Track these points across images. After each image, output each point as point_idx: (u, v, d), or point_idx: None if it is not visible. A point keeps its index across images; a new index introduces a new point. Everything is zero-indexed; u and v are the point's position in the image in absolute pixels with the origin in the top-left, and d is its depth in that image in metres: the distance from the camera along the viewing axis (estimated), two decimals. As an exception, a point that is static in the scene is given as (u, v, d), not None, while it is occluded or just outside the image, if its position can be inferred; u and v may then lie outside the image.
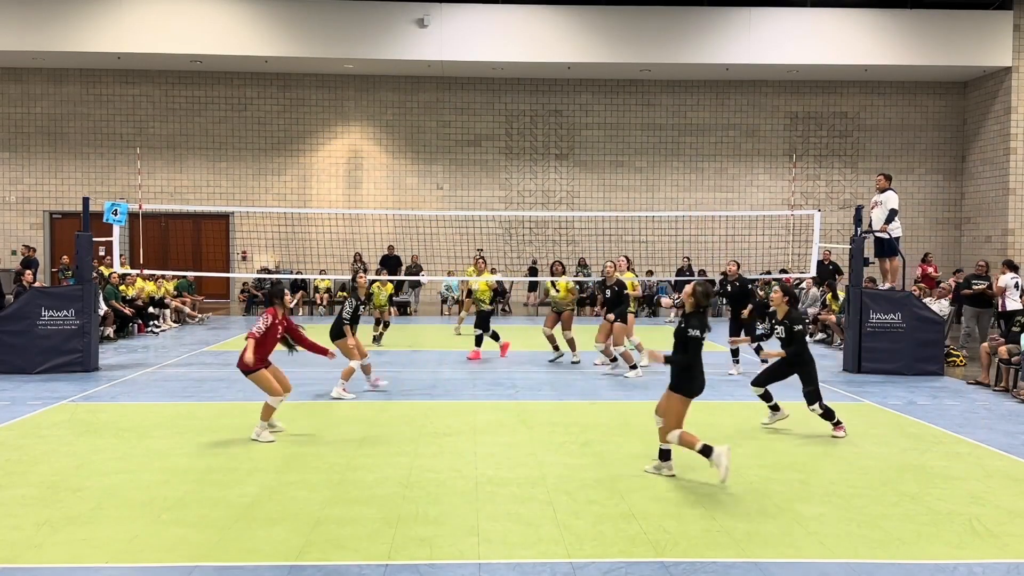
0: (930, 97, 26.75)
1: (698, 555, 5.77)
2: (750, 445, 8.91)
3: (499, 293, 25.24)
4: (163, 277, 21.61)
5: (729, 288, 13.84)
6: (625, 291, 13.55)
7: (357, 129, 26.39)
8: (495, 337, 15.53)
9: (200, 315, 21.83)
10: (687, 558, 5.72)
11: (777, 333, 9.50)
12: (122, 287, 19.23)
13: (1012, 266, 15.92)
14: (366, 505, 6.77)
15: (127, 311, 18.38)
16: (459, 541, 6.00)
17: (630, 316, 14.13)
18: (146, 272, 18.97)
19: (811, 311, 19.41)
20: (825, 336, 18.32)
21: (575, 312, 15.13)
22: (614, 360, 13.72)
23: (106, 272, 18.72)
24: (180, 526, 6.25)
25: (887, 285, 14.80)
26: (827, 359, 15.72)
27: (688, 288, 7.62)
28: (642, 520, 6.42)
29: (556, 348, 14.83)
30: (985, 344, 13.26)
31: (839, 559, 5.73)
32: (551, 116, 26.54)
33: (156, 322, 19.62)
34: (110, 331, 17.41)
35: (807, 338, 9.85)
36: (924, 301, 14.84)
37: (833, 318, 17.72)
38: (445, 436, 9.18)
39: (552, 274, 15.13)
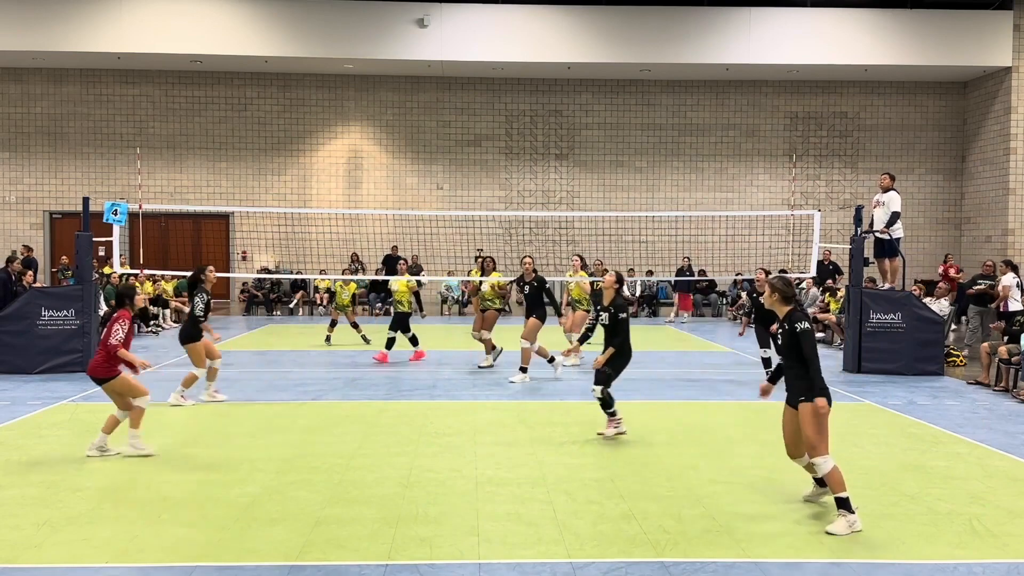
0: (930, 97, 26.75)
1: (698, 555, 5.77)
2: (750, 445, 8.90)
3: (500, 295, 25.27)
4: (163, 278, 21.62)
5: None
6: (548, 288, 13.18)
7: (357, 129, 26.39)
8: (414, 341, 14.80)
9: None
10: (687, 558, 5.72)
11: (601, 320, 9.03)
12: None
13: (1013, 266, 15.92)
14: (366, 505, 6.77)
15: (127, 311, 18.34)
16: (459, 541, 6.00)
17: (580, 313, 14.48)
18: (146, 272, 18.99)
19: (811, 311, 19.42)
20: (825, 336, 18.31)
21: (501, 312, 14.40)
22: (551, 360, 13.11)
23: (107, 271, 18.73)
24: (180, 526, 6.25)
25: (887, 285, 14.80)
26: (827, 359, 15.65)
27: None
28: (642, 520, 6.42)
29: (492, 349, 14.11)
30: (985, 344, 13.26)
31: (839, 559, 5.73)
32: (551, 116, 26.54)
33: (156, 322, 19.63)
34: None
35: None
36: (924, 301, 14.85)
37: (833, 318, 17.72)
38: (445, 436, 9.18)
39: (483, 271, 14.43)
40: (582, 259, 15.69)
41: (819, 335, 18.42)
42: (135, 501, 6.83)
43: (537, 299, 13.14)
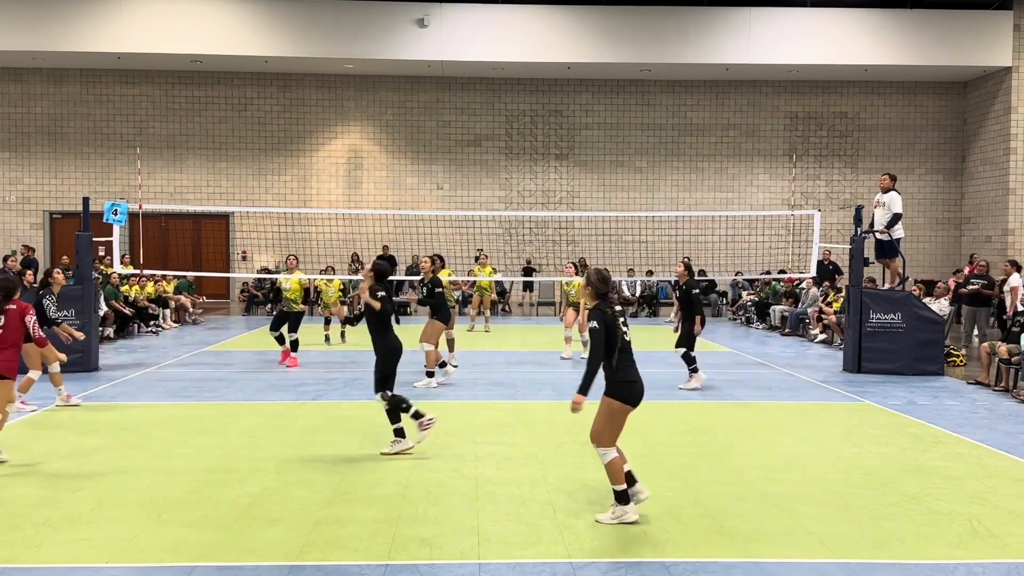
0: (930, 97, 26.75)
1: (698, 555, 5.77)
2: (750, 445, 8.91)
3: (500, 293, 25.30)
4: (164, 278, 21.61)
5: (677, 293, 12.89)
6: (438, 290, 12.42)
7: (357, 129, 26.39)
8: (282, 341, 14.16)
9: (196, 314, 21.82)
10: (687, 558, 5.72)
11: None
12: (124, 287, 19.24)
13: (1018, 266, 15.90)
14: (366, 505, 6.77)
15: (127, 311, 18.38)
16: (459, 541, 6.00)
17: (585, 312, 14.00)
18: (146, 272, 18.99)
19: (811, 311, 19.42)
20: (825, 336, 18.31)
21: (452, 310, 13.69)
22: (442, 365, 12.66)
23: (107, 271, 18.72)
24: (180, 526, 6.25)
25: (887, 285, 14.79)
26: (827, 359, 15.73)
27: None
28: (642, 520, 6.42)
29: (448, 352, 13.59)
30: (985, 344, 13.26)
31: (839, 559, 5.73)
32: (551, 116, 26.54)
33: (156, 321, 19.63)
34: (110, 331, 17.41)
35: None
36: (924, 301, 14.84)
37: (833, 318, 17.72)
38: (445, 436, 9.18)
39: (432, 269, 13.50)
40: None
41: (820, 336, 18.44)
42: (135, 501, 6.83)
43: (440, 301, 12.47)
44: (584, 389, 6.31)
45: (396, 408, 8.28)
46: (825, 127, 26.84)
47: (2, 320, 7.87)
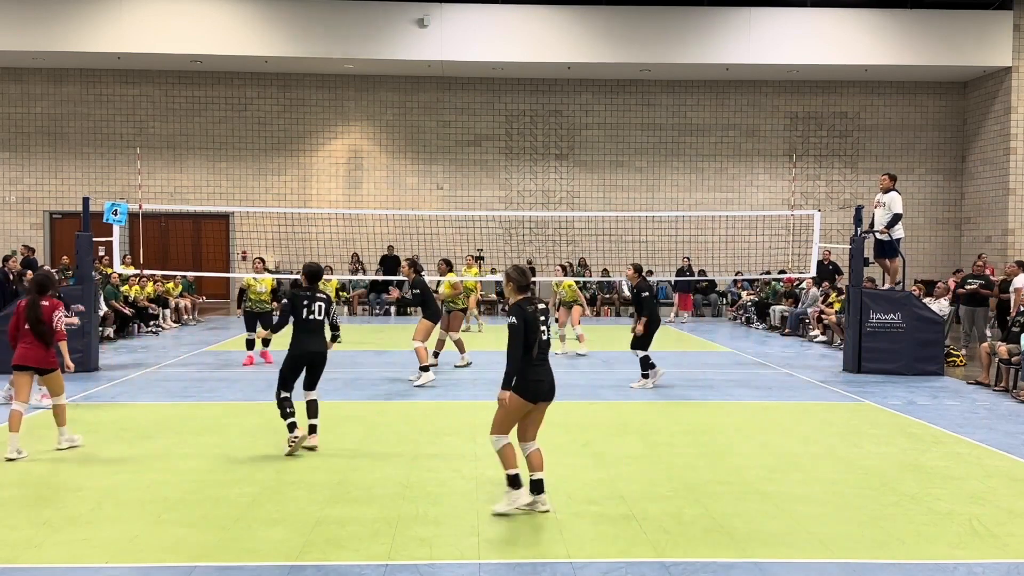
0: (930, 97, 26.75)
1: (698, 555, 5.77)
2: (750, 445, 8.90)
3: (499, 293, 25.31)
4: (166, 278, 21.62)
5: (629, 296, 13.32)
6: (415, 291, 13.16)
7: (357, 129, 26.39)
8: (264, 343, 14.40)
9: (194, 316, 21.84)
10: (687, 558, 5.71)
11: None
12: (124, 288, 19.24)
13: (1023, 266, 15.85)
14: (366, 505, 6.77)
15: (127, 311, 18.38)
16: (459, 541, 6.00)
17: (576, 308, 15.85)
18: (146, 272, 18.99)
19: (811, 311, 19.42)
20: (825, 336, 18.31)
21: (465, 312, 14.59)
22: (426, 369, 12.66)
23: (108, 271, 18.72)
24: (180, 526, 6.25)
25: (887, 285, 14.79)
26: (827, 359, 15.73)
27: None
28: (642, 520, 6.42)
29: (436, 355, 13.96)
30: (985, 344, 13.25)
31: (839, 559, 5.73)
32: (551, 116, 26.54)
33: (156, 322, 19.63)
34: (110, 331, 17.41)
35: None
36: (924, 301, 14.84)
37: (833, 318, 17.72)
38: (445, 436, 9.18)
39: (439, 272, 14.58)
40: (564, 267, 18.01)
41: (820, 336, 18.44)
42: (135, 501, 6.82)
43: (421, 302, 13.09)
44: (506, 384, 6.41)
45: (282, 410, 8.39)
46: (825, 127, 26.83)
47: (40, 313, 8.27)
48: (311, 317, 8.60)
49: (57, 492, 7.06)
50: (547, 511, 6.54)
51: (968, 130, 26.45)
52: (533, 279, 9.69)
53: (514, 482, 6.49)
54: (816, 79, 26.34)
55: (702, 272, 24.36)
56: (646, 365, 12.27)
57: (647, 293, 12.46)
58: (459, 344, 14.18)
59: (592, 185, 26.67)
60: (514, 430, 6.58)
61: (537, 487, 6.54)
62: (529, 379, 6.43)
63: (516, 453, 6.53)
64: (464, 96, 26.37)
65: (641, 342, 12.26)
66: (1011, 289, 15.46)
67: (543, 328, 6.50)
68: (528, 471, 6.58)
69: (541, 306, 6.54)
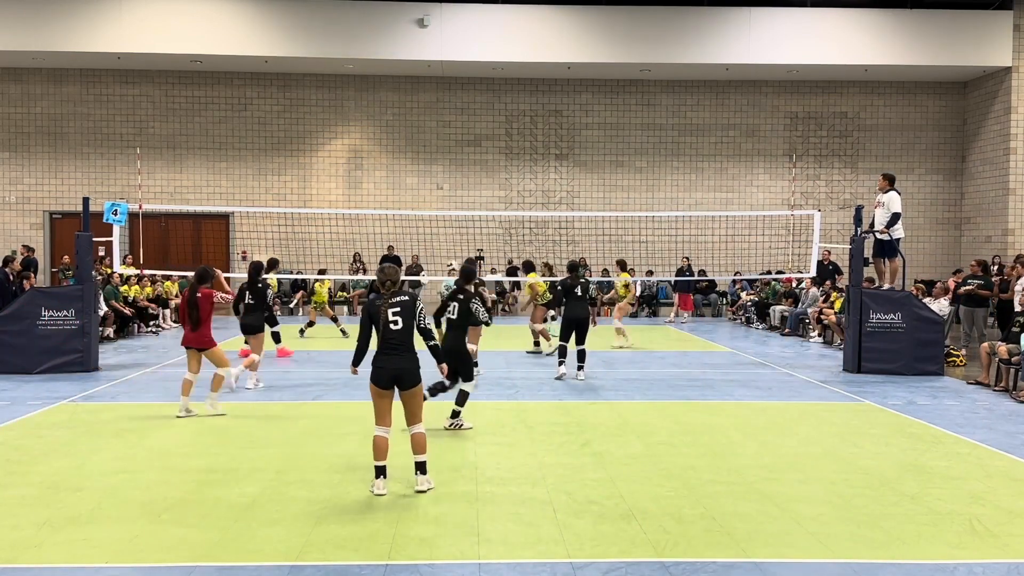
0: (930, 97, 26.75)
1: (698, 555, 5.77)
2: (750, 445, 8.90)
3: (499, 293, 25.33)
4: (165, 278, 21.62)
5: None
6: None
7: (357, 129, 26.39)
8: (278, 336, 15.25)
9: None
10: (687, 558, 5.72)
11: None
12: (124, 288, 19.24)
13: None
14: (366, 505, 6.77)
15: (127, 311, 18.38)
16: (459, 541, 6.00)
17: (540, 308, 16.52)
18: (147, 273, 19.00)
19: (811, 311, 19.41)
20: (825, 336, 18.31)
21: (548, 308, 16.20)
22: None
23: (107, 271, 18.73)
24: (180, 526, 6.25)
25: (886, 285, 14.79)
26: (827, 359, 15.73)
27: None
28: (642, 520, 6.42)
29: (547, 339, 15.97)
30: (985, 344, 13.25)
31: (839, 559, 5.73)
32: (551, 116, 26.54)
33: (156, 322, 19.63)
34: (110, 331, 17.41)
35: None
36: (924, 301, 14.84)
37: (833, 318, 17.72)
38: (444, 436, 9.18)
39: (526, 272, 16.29)
40: (524, 266, 18.25)
41: (816, 336, 18.44)
42: (135, 501, 6.83)
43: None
44: (353, 362, 7.32)
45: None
46: (825, 127, 26.83)
47: (195, 300, 9.92)
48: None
49: (57, 492, 7.06)
50: (423, 491, 7.05)
51: (968, 130, 26.45)
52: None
53: (378, 472, 7.06)
54: (816, 79, 26.34)
55: (702, 272, 24.37)
56: (564, 352, 13.06)
57: (579, 290, 13.08)
58: (543, 334, 15.76)
59: (592, 185, 26.67)
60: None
61: (419, 468, 7.16)
62: (375, 366, 7.09)
63: (387, 447, 7.06)
64: (464, 96, 26.37)
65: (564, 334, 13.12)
66: (1017, 288, 15.42)
67: (393, 319, 7.00)
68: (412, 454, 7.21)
69: (394, 300, 7.08)
